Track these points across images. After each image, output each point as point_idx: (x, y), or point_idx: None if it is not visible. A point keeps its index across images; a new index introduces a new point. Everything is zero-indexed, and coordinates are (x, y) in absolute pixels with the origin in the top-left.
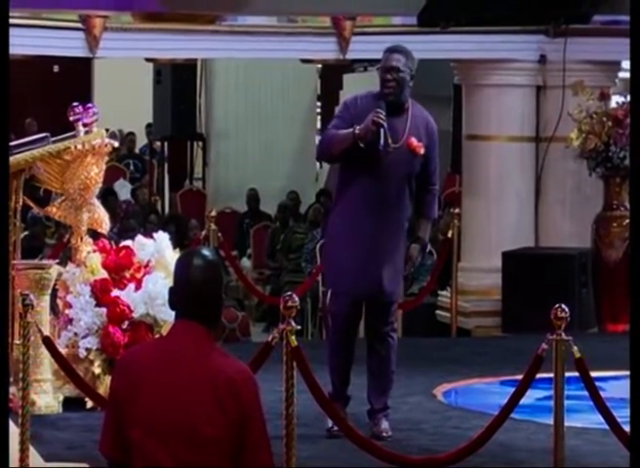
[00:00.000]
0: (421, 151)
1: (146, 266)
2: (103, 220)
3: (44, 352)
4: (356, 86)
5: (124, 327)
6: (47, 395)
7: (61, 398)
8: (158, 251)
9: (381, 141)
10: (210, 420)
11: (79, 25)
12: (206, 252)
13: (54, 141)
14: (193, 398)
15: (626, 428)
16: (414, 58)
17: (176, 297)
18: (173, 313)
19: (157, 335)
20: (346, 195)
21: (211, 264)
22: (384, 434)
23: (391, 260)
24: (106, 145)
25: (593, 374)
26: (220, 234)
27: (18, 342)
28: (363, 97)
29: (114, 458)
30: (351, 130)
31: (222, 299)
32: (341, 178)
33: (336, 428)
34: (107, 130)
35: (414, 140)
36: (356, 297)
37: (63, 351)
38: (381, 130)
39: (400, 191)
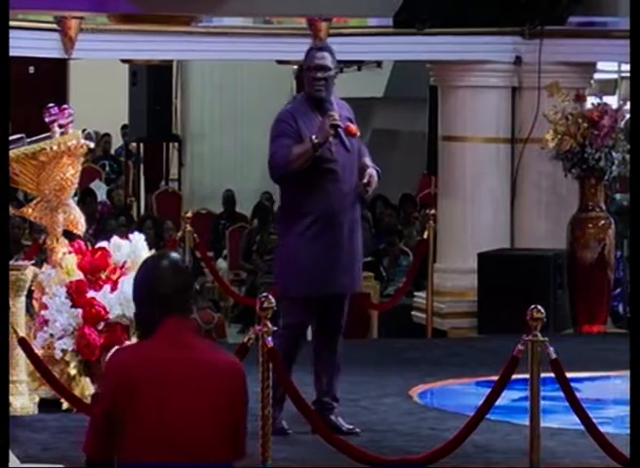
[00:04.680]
0: (359, 133)
1: (122, 267)
2: (79, 222)
3: (20, 353)
4: None
5: (100, 328)
6: (22, 396)
7: (37, 399)
8: (134, 252)
9: (345, 141)
10: (214, 419)
11: (55, 26)
12: (162, 253)
13: (29, 142)
14: (200, 397)
15: (602, 429)
16: (335, 56)
17: (153, 300)
18: None
19: (133, 337)
20: (305, 203)
21: (172, 258)
22: (351, 427)
23: (358, 253)
24: (82, 146)
25: (569, 375)
26: (195, 235)
27: None
28: (293, 107)
29: (98, 458)
30: (307, 142)
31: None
32: (294, 189)
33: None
34: (84, 130)
35: (351, 125)
36: (333, 294)
37: (39, 352)
38: (340, 130)
39: (353, 182)
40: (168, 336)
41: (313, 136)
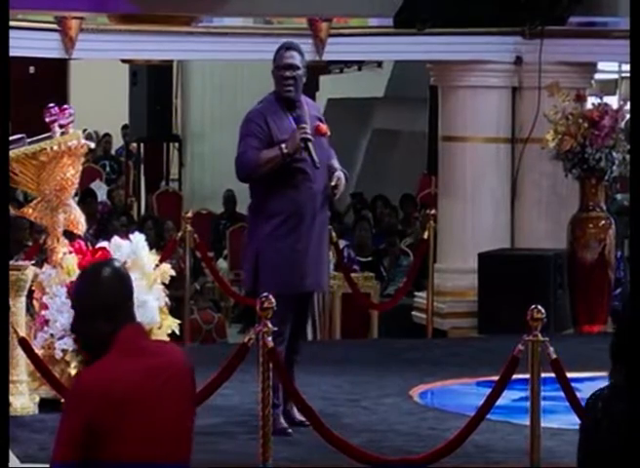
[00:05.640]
0: (329, 132)
1: None
2: (80, 222)
3: (20, 353)
4: (332, 87)
5: None
6: (23, 396)
7: (37, 399)
8: (134, 252)
9: (314, 156)
10: (189, 419)
11: (55, 26)
12: (101, 262)
13: (30, 142)
14: (179, 400)
15: None
16: (304, 56)
17: (106, 311)
18: (149, 315)
19: None
20: (275, 203)
21: (114, 265)
22: (303, 420)
23: (326, 253)
24: (82, 146)
25: (569, 375)
26: (196, 235)
27: None
28: (263, 107)
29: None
30: (276, 149)
31: None
32: (265, 189)
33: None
34: (84, 130)
35: (321, 125)
36: (302, 293)
37: (39, 352)
38: (310, 144)
39: (323, 182)
40: (133, 346)
41: (283, 146)
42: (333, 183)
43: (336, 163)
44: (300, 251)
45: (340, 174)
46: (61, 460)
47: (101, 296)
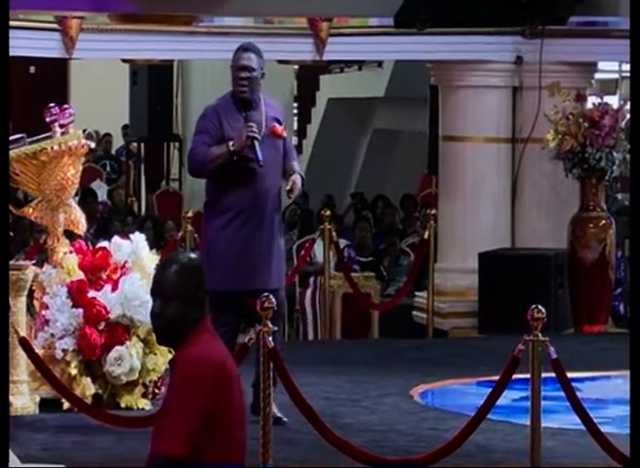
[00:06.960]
0: (285, 134)
1: (123, 267)
2: (80, 221)
3: (20, 353)
4: (332, 87)
5: (100, 328)
6: (23, 396)
7: (38, 399)
8: (134, 252)
9: (259, 155)
10: None
11: (55, 26)
12: (182, 251)
13: (30, 142)
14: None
15: (603, 429)
16: (263, 57)
17: (204, 299)
18: (149, 314)
19: (134, 336)
20: (226, 199)
21: (193, 256)
22: (280, 416)
23: (279, 252)
24: (83, 146)
25: (569, 375)
26: (196, 235)
27: None
28: (219, 105)
29: (186, 457)
30: (224, 146)
31: None
32: (217, 186)
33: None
34: (85, 130)
35: (277, 126)
36: (249, 291)
37: (40, 352)
38: (256, 142)
39: (276, 181)
40: (213, 332)
41: (230, 143)
42: (288, 188)
43: (296, 165)
44: (250, 247)
45: (296, 177)
46: (171, 454)
47: (197, 285)
